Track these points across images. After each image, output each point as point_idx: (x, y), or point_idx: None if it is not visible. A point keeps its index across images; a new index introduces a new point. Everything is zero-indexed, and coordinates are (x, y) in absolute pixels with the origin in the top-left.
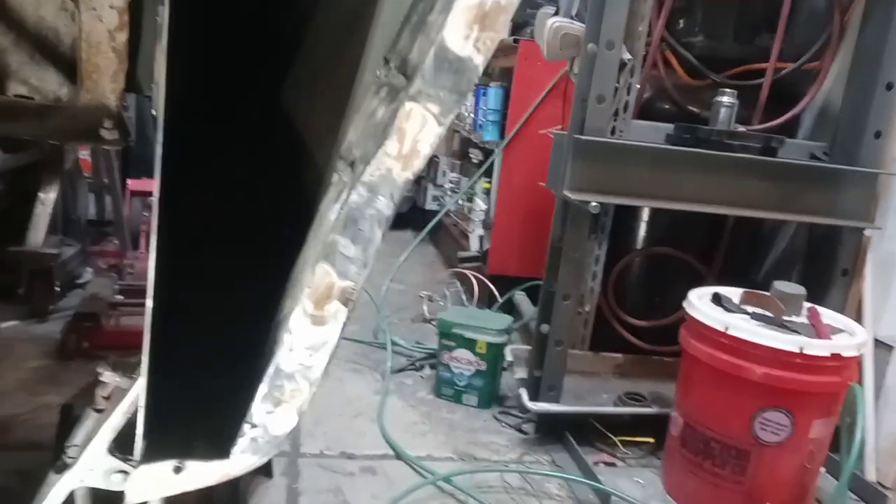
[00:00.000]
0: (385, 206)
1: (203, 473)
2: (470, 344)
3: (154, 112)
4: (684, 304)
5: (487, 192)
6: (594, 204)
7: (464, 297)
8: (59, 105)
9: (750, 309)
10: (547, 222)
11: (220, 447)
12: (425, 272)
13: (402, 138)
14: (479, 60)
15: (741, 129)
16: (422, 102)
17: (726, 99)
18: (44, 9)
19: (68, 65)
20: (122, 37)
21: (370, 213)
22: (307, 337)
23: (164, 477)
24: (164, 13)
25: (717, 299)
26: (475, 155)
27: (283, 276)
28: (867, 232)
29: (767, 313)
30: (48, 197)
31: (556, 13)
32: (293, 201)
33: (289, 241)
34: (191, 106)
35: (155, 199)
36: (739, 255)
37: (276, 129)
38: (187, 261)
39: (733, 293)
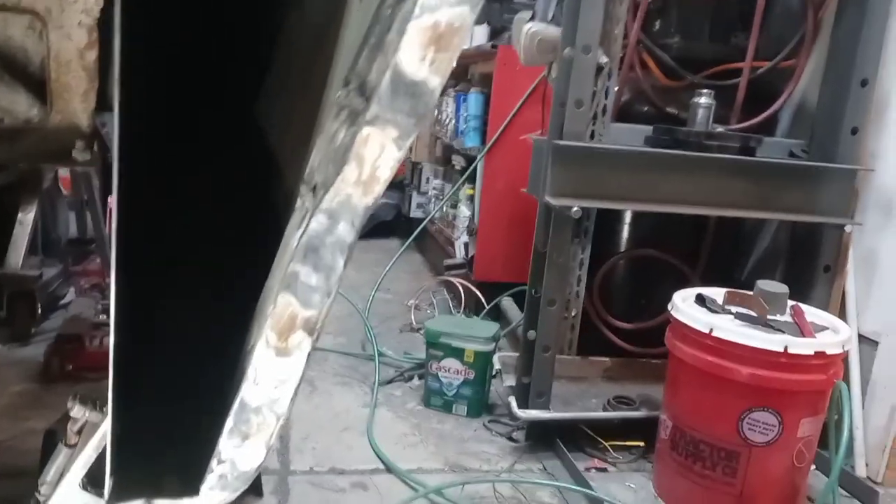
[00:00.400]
0: (346, 232)
1: None
2: (458, 353)
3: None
4: (669, 307)
5: (471, 198)
6: (576, 209)
7: (451, 304)
8: (28, 127)
9: (734, 309)
10: (531, 227)
11: (189, 483)
12: (412, 280)
13: (362, 164)
14: (436, 83)
15: (719, 129)
16: (380, 127)
17: (703, 100)
18: (10, 28)
19: (38, 85)
20: (92, 55)
21: (330, 241)
22: (272, 369)
23: None
24: (117, 23)
25: (701, 300)
26: (458, 161)
27: (252, 303)
28: (848, 228)
29: (751, 313)
30: (27, 217)
31: (533, 18)
32: (262, 226)
33: (257, 268)
34: (156, 124)
35: (114, 228)
36: (723, 255)
37: (247, 150)
38: (153, 289)
39: (717, 294)
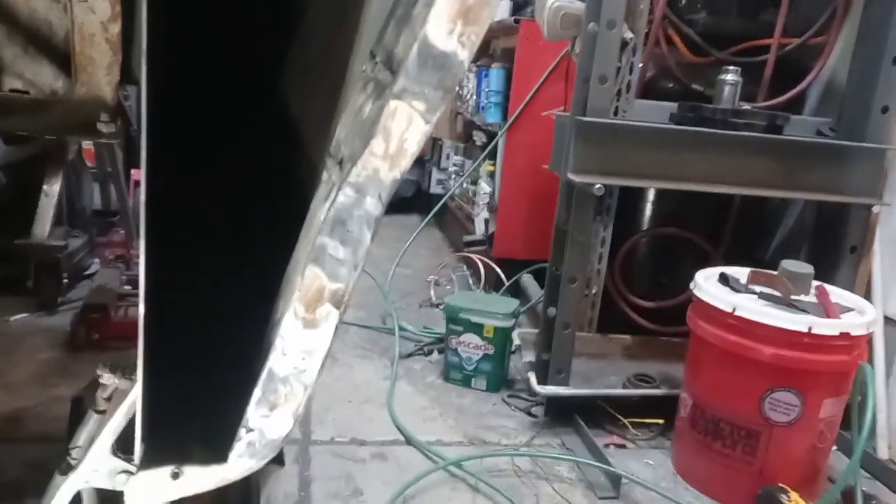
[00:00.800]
0: (373, 206)
1: (201, 478)
2: (477, 328)
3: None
4: (691, 286)
5: (492, 174)
6: (598, 186)
7: (470, 281)
8: (54, 99)
9: (758, 289)
10: (552, 204)
11: (217, 451)
12: (431, 256)
13: (389, 137)
14: (464, 56)
15: (746, 106)
16: (407, 100)
17: (730, 77)
18: (35, 1)
19: (62, 57)
20: (116, 28)
21: (358, 215)
22: (300, 340)
23: (163, 483)
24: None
25: (725, 280)
26: (479, 137)
27: (278, 274)
28: (875, 208)
29: (775, 293)
30: (52, 188)
31: None
32: (287, 198)
33: (284, 240)
34: (178, 98)
35: (142, 201)
36: (747, 235)
37: (271, 123)
38: (180, 260)
39: (741, 273)
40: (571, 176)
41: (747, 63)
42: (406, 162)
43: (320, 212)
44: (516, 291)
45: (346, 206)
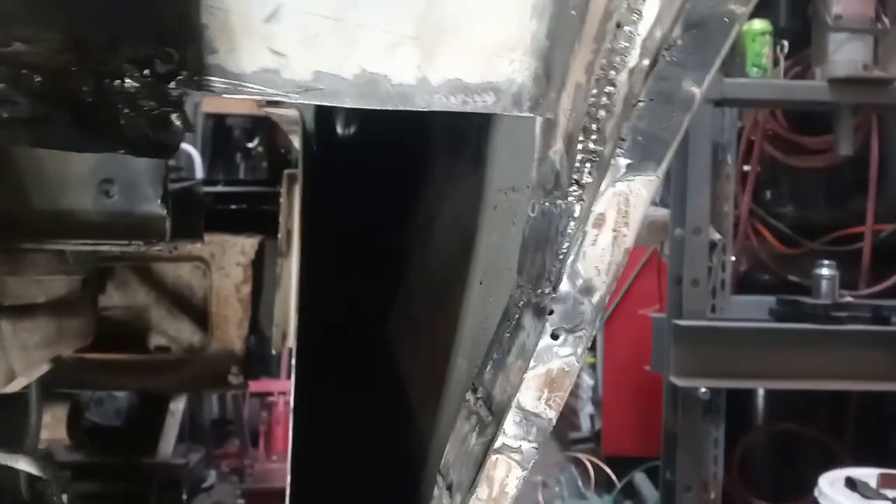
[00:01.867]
0: None
1: None
2: None
3: (273, 351)
4: (816, 493)
5: (593, 366)
6: (704, 390)
7: (580, 482)
8: (191, 356)
9: (891, 494)
10: (658, 398)
11: None
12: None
13: (491, 484)
14: (552, 415)
15: (847, 297)
16: (506, 454)
17: (826, 271)
18: (180, 269)
19: (200, 315)
20: (247, 289)
21: None
22: None
23: None
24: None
25: (852, 485)
26: None
27: None
28: None
29: None
30: (177, 406)
31: None
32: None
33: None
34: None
35: (290, 448)
36: (871, 425)
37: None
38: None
39: (869, 476)
40: (674, 380)
41: (842, 252)
42: (506, 503)
43: None
44: (629, 492)
45: None
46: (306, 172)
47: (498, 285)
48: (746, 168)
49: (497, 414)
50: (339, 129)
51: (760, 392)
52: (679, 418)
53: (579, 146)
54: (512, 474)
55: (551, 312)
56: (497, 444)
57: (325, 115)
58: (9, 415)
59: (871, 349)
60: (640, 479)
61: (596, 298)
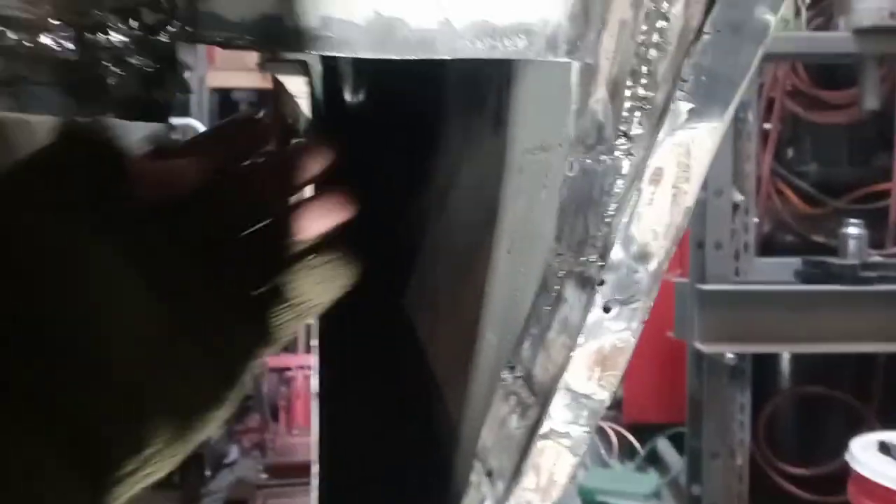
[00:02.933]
0: None
1: None
2: None
3: None
4: (847, 458)
5: None
6: (730, 356)
7: (602, 450)
8: None
9: None
10: (681, 363)
11: None
12: None
13: (539, 472)
14: (604, 395)
15: (875, 256)
16: (554, 439)
17: (853, 230)
18: None
19: None
20: None
21: None
22: None
23: None
24: None
25: (886, 449)
26: None
27: None
28: None
29: None
30: None
31: None
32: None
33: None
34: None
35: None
36: None
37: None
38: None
39: None
40: (699, 346)
41: (867, 210)
42: (556, 492)
43: None
44: (653, 459)
45: None
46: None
47: (529, 254)
48: (767, 126)
49: (540, 395)
50: (346, 95)
51: (785, 356)
52: (704, 385)
53: (627, 93)
54: (561, 461)
55: (602, 283)
56: (543, 430)
57: (332, 78)
58: None
59: None
60: (663, 445)
61: (653, 266)
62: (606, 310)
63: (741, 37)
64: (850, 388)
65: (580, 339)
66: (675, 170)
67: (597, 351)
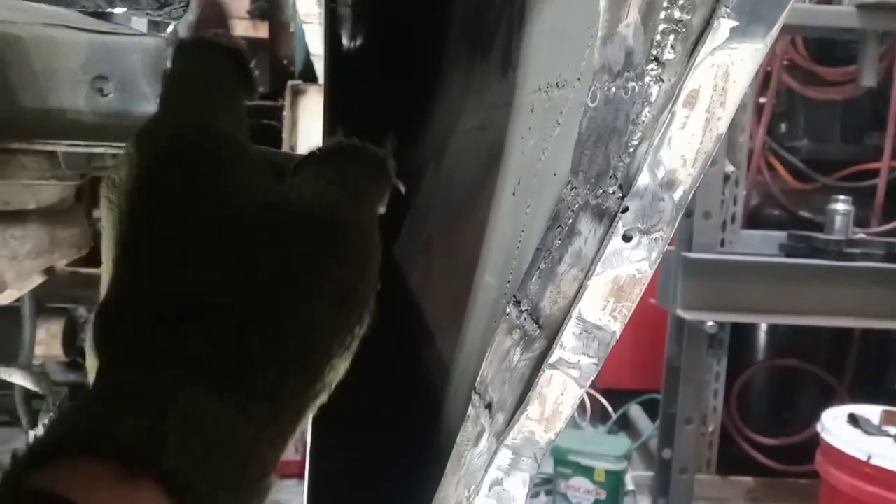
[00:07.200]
0: (529, 466)
1: None
2: (587, 472)
3: None
4: (818, 428)
5: None
6: (711, 324)
7: (575, 414)
8: None
9: (893, 430)
10: (658, 332)
11: None
12: None
13: (544, 402)
14: (616, 327)
15: (860, 234)
16: (562, 369)
17: (840, 206)
18: None
19: None
20: None
21: (514, 475)
22: None
23: None
24: None
25: (855, 421)
26: None
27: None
28: None
29: None
30: None
31: None
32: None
33: (416, 451)
34: None
35: None
36: (871, 364)
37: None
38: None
39: (871, 412)
40: (681, 313)
41: (856, 188)
42: (560, 424)
43: (470, 455)
44: (625, 424)
45: (503, 467)
46: (330, 79)
47: (538, 193)
48: (762, 100)
49: (546, 327)
50: (345, 38)
51: (762, 327)
52: (683, 351)
53: (662, 14)
54: (568, 392)
55: (626, 210)
56: (552, 359)
57: (330, 19)
58: (1, 329)
59: (882, 287)
60: (635, 411)
61: (678, 194)
62: (627, 238)
63: None
64: (824, 363)
65: (598, 268)
66: (710, 92)
67: (613, 280)
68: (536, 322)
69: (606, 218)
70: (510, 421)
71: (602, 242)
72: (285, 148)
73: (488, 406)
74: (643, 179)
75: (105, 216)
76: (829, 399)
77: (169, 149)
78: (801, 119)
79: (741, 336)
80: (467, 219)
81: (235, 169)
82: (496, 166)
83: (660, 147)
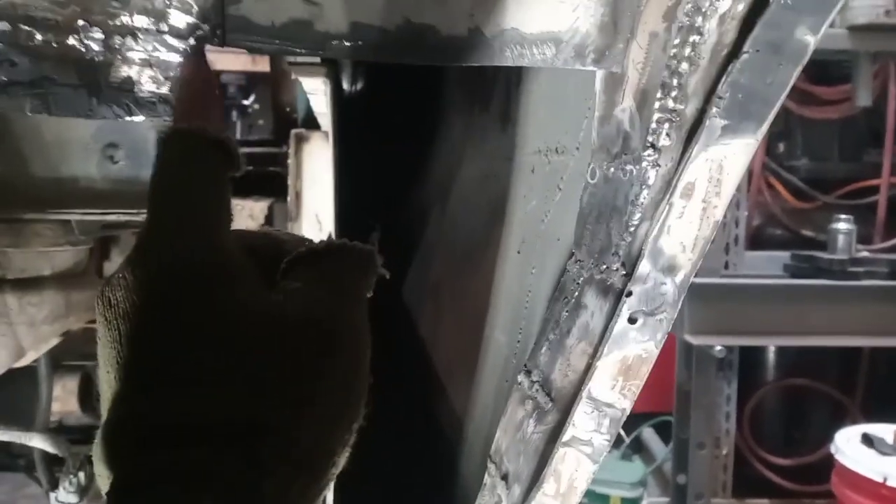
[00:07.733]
0: None
1: None
2: (602, 500)
3: None
4: (832, 450)
5: None
6: (719, 348)
7: None
8: None
9: None
10: (670, 352)
11: None
12: None
13: (559, 479)
14: (626, 405)
15: (863, 251)
16: (576, 447)
17: (843, 225)
18: None
19: None
20: None
21: None
22: None
23: None
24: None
25: (869, 441)
26: None
27: None
28: None
29: None
30: None
31: None
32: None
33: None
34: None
35: None
36: (882, 380)
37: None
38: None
39: (885, 431)
40: (689, 338)
41: (856, 206)
42: (576, 499)
43: None
44: (637, 447)
45: None
46: (337, 133)
47: (542, 257)
48: None
49: (558, 401)
50: (345, 85)
51: (771, 348)
52: (692, 376)
53: (656, 104)
54: (582, 468)
55: (629, 294)
56: (566, 437)
57: (337, 73)
58: (18, 389)
59: (889, 305)
60: (648, 434)
61: (679, 278)
62: (632, 321)
63: (780, 57)
64: (835, 382)
65: (605, 349)
66: (706, 184)
67: (621, 361)
68: (549, 395)
69: (612, 294)
70: (527, 495)
71: (609, 319)
72: (290, 194)
73: (504, 477)
74: (644, 266)
75: (102, 333)
76: (842, 417)
77: (168, 272)
78: (799, 138)
79: (750, 357)
80: (474, 270)
81: (233, 286)
82: (500, 221)
83: (659, 235)
